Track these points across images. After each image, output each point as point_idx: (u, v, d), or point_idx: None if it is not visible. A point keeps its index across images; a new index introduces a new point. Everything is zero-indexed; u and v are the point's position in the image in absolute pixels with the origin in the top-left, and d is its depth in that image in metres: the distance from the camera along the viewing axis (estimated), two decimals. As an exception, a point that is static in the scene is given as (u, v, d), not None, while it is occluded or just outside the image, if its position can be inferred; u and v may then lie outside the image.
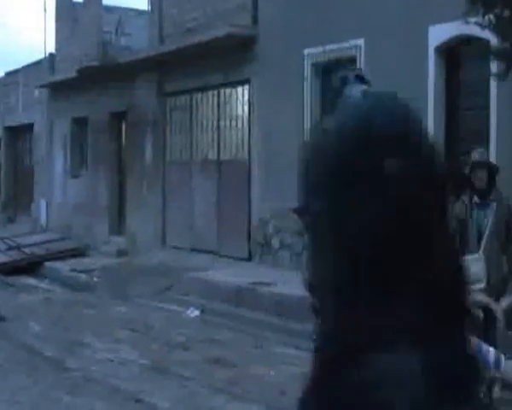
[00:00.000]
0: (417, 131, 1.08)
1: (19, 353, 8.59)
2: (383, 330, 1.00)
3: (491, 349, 2.03)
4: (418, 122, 1.10)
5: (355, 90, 2.06)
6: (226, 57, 13.62)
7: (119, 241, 16.87)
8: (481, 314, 5.66)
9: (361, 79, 2.10)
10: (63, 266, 15.02)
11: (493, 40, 8.20)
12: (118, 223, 17.70)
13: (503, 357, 2.02)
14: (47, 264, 15.39)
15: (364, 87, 2.06)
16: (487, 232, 6.34)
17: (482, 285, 6.18)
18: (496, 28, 7.82)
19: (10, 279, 14.29)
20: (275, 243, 12.89)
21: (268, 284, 10.64)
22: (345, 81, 2.09)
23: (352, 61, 11.22)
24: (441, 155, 1.10)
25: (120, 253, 16.13)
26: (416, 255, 1.03)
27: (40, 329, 9.81)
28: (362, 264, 1.01)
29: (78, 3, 19.62)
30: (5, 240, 16.99)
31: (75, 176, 19.42)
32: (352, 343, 1.01)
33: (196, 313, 10.54)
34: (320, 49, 11.75)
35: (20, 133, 24.06)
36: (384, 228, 1.01)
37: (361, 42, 11.00)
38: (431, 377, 0.99)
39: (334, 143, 1.06)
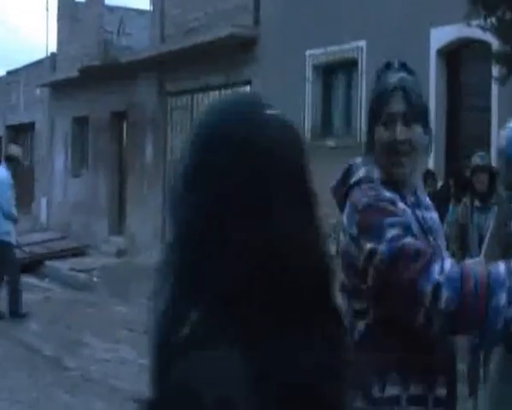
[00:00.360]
0: (266, 137, 1.11)
1: (18, 351, 8.58)
2: (205, 328, 1.02)
3: (500, 264, 1.92)
4: (271, 128, 1.13)
5: (392, 77, 2.06)
6: (227, 58, 13.61)
7: (119, 240, 16.86)
8: None
9: (404, 66, 2.10)
10: (63, 266, 15.01)
11: (495, 43, 8.20)
12: (118, 222, 17.69)
13: None
14: (47, 263, 15.38)
15: (403, 75, 2.05)
16: (488, 236, 6.34)
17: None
18: (497, 31, 7.81)
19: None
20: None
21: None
22: (388, 67, 2.10)
23: (354, 62, 11.23)
24: (302, 160, 1.12)
25: (120, 252, 16.12)
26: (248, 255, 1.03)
27: (40, 328, 9.80)
28: (187, 260, 1.05)
29: (81, 3, 19.63)
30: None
31: (76, 175, 19.41)
32: (176, 341, 1.02)
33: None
34: (321, 50, 11.75)
35: (21, 132, 24.06)
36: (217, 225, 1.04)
37: (363, 43, 11.00)
38: (251, 377, 0.99)
39: (186, 149, 1.13)
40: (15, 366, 7.87)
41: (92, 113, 18.57)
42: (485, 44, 8.74)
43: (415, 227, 1.97)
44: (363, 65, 10.99)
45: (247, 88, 13.61)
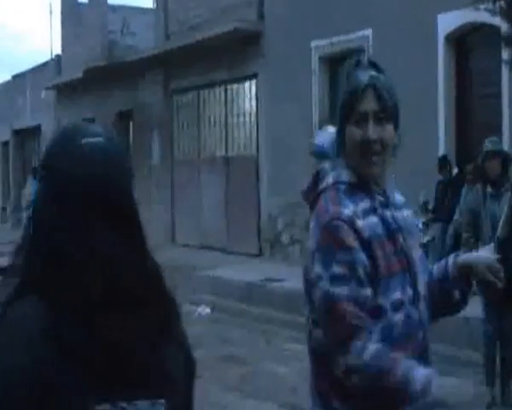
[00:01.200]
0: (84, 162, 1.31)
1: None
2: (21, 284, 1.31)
3: (421, 369, 1.88)
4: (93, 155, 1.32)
5: (363, 74, 2.02)
6: (233, 53, 13.51)
7: (129, 241, 16.79)
8: None
9: (374, 65, 2.05)
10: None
11: (504, 26, 8.06)
12: (127, 223, 17.62)
13: (434, 375, 1.88)
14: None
15: (372, 73, 2.00)
16: (501, 223, 6.18)
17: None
18: (506, 14, 7.69)
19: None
20: (284, 238, 12.78)
21: (278, 280, 10.54)
22: (358, 64, 2.04)
23: (361, 52, 11.08)
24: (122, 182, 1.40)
25: (130, 252, 16.05)
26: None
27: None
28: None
29: (84, 4, 19.58)
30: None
31: (83, 177, 19.38)
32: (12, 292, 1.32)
33: (207, 310, 10.45)
34: (327, 41, 11.62)
35: (28, 136, 24.06)
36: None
37: (369, 32, 10.86)
38: (52, 330, 1.24)
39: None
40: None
41: (98, 114, 18.49)
42: (493, 28, 8.60)
43: (363, 268, 1.91)
44: (369, 54, 10.84)
45: (253, 82, 13.51)
